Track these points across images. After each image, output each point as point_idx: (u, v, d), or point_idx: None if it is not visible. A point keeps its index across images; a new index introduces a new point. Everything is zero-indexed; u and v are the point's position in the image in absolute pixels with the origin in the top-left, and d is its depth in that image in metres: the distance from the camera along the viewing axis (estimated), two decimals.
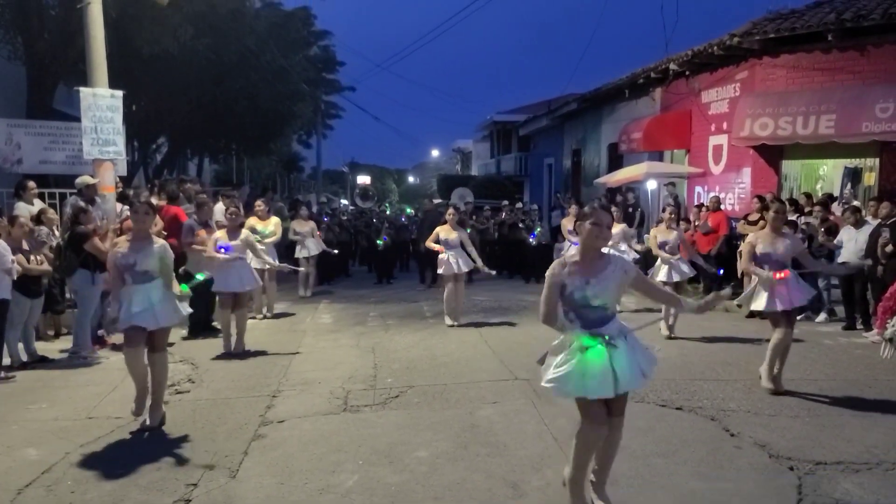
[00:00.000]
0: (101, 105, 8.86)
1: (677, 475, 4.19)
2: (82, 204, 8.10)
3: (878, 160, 11.34)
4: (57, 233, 8.05)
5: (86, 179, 8.91)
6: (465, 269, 9.28)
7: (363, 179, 41.64)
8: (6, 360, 6.88)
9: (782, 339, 5.87)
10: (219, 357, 7.51)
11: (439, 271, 9.34)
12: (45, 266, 7.27)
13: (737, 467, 4.32)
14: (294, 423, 5.29)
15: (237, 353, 7.64)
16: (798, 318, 9.23)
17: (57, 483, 4.16)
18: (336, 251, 13.25)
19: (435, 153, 56.52)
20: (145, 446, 4.81)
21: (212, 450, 4.68)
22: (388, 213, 20.08)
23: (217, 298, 8.05)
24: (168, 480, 4.17)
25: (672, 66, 14.13)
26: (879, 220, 8.70)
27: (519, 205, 18.19)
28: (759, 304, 5.90)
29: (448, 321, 9.32)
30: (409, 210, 20.36)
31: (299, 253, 12.22)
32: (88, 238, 7.33)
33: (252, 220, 9.69)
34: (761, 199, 10.62)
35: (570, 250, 12.71)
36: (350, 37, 36.94)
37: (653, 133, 14.71)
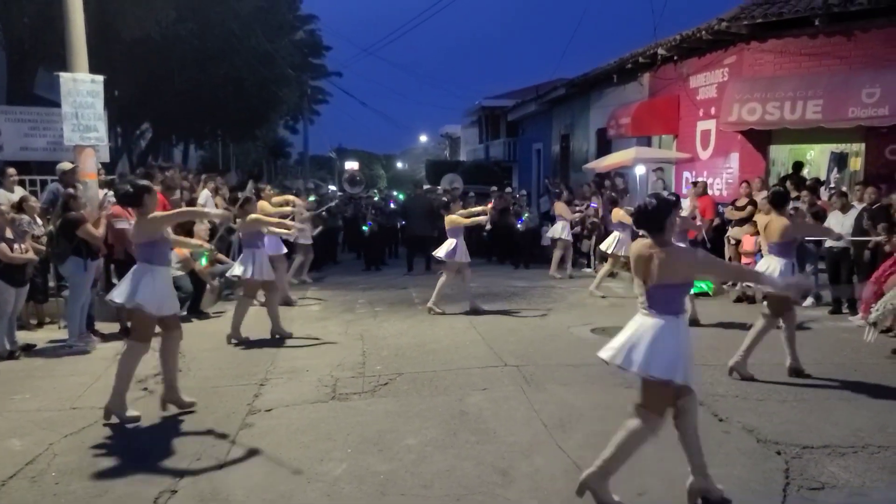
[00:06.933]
0: (82, 90, 8.69)
1: (666, 461, 4.19)
2: (71, 190, 7.97)
3: (863, 145, 11.40)
4: (39, 221, 7.93)
5: (65, 165, 8.77)
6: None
7: (351, 165, 41.32)
8: None
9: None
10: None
11: (443, 256, 9.26)
12: (30, 255, 7.15)
13: (725, 452, 4.34)
14: (282, 411, 5.26)
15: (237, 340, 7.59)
16: None
17: (41, 474, 4.11)
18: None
19: (423, 139, 56.46)
20: (131, 436, 4.76)
21: (199, 439, 4.65)
22: (375, 199, 19.92)
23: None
24: (155, 471, 4.14)
25: (660, 51, 14.08)
26: (865, 205, 8.79)
27: (508, 189, 18.14)
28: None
29: (441, 309, 9.24)
30: (401, 196, 20.23)
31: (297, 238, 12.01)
32: (81, 224, 7.21)
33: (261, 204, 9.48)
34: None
35: (556, 230, 12.77)
36: (336, 21, 36.64)
37: (641, 118, 14.67)
